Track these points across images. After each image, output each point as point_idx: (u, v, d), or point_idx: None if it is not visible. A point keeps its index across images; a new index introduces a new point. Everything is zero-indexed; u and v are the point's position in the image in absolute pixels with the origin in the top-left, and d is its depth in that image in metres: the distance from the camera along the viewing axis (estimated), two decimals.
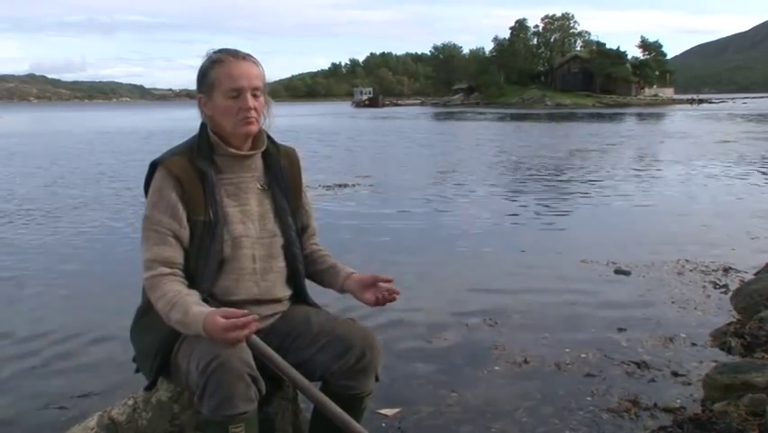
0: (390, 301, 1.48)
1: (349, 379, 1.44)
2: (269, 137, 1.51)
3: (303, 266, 1.55)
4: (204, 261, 1.40)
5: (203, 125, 1.46)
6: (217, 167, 1.44)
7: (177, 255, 1.39)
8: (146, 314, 1.46)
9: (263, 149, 1.48)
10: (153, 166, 1.43)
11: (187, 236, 1.40)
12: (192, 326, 1.29)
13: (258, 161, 1.49)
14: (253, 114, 1.41)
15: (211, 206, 1.40)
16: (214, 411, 1.25)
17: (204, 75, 1.43)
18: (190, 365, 1.29)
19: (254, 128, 1.43)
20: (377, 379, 1.49)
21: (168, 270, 1.37)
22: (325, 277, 1.57)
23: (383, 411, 2.06)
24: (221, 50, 1.44)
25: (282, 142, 1.57)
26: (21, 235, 5.21)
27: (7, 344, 2.80)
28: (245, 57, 1.42)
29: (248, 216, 1.45)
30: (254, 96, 1.41)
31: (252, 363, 1.28)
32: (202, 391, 1.25)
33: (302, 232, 1.57)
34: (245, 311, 1.29)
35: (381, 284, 1.47)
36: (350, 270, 1.55)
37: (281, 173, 1.51)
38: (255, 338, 1.33)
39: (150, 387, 1.48)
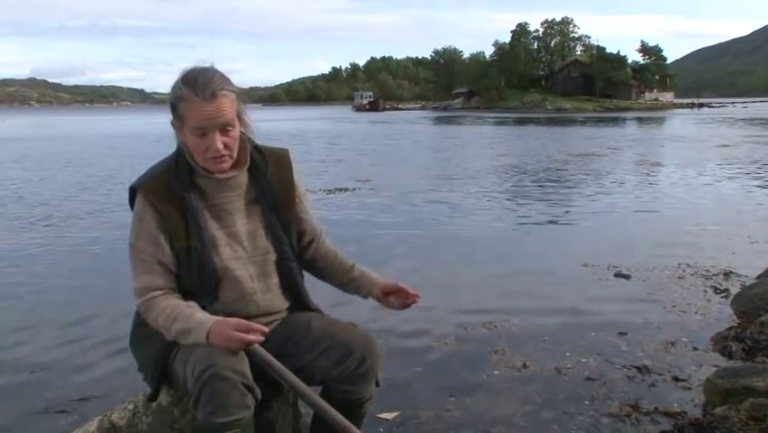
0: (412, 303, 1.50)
1: (349, 384, 1.43)
2: (255, 146, 1.46)
3: (301, 276, 1.54)
4: (197, 285, 1.39)
5: (180, 147, 1.40)
6: (199, 189, 1.39)
7: (166, 281, 1.38)
8: (142, 325, 1.45)
9: (246, 167, 1.41)
10: (133, 191, 1.40)
11: (173, 262, 1.38)
12: (195, 330, 1.29)
13: (242, 177, 1.42)
14: (223, 152, 1.33)
15: (195, 231, 1.37)
16: (208, 418, 1.25)
17: (173, 106, 1.35)
18: (186, 371, 1.29)
19: (225, 166, 1.36)
20: (377, 384, 1.48)
21: (160, 292, 1.37)
22: (348, 290, 1.59)
23: (383, 416, 2.05)
24: (188, 83, 1.31)
25: (271, 146, 1.51)
26: (29, 239, 5.22)
27: (7, 347, 2.79)
28: (213, 94, 1.29)
29: (234, 238, 1.42)
30: (224, 131, 1.32)
31: (247, 372, 1.27)
32: (197, 397, 1.25)
33: (302, 237, 1.55)
34: (248, 322, 1.31)
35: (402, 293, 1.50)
36: (372, 280, 1.55)
37: (268, 186, 1.45)
38: (254, 344, 1.33)
39: (152, 398, 1.47)
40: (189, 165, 1.38)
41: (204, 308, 1.37)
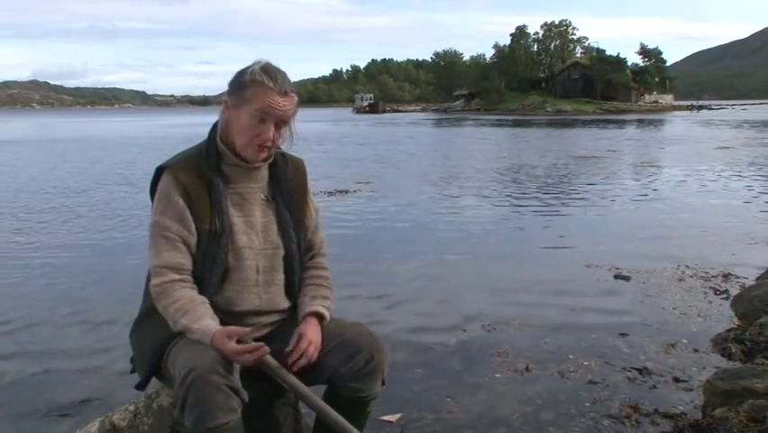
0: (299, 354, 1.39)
1: (356, 381, 1.44)
2: (277, 148, 1.50)
3: (300, 281, 1.54)
4: (209, 269, 1.41)
5: (212, 131, 1.46)
6: (224, 176, 1.44)
7: (186, 262, 1.40)
8: (147, 317, 1.47)
9: (270, 161, 1.48)
10: (159, 170, 1.43)
11: (195, 243, 1.40)
12: (196, 337, 1.31)
13: (264, 172, 1.49)
14: (268, 144, 1.40)
15: (217, 215, 1.40)
16: (195, 424, 1.25)
17: (241, 86, 1.38)
18: (174, 374, 1.30)
19: (263, 155, 1.42)
20: (383, 383, 1.49)
21: (178, 276, 1.38)
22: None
23: (386, 418, 2.06)
24: (268, 73, 1.37)
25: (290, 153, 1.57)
26: (34, 241, 5.23)
27: (9, 349, 2.80)
28: (287, 92, 1.38)
29: (251, 228, 1.45)
30: (278, 127, 1.40)
31: (232, 373, 1.27)
32: (182, 402, 1.25)
33: (306, 251, 1.57)
34: (249, 329, 1.32)
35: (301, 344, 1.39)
36: (309, 310, 1.46)
37: (287, 185, 1.51)
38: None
39: (140, 386, 1.48)
40: (218, 151, 1.43)
41: (209, 299, 1.39)
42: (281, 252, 1.49)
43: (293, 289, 1.53)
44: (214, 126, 1.46)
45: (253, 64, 1.40)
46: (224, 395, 1.25)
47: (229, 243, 1.41)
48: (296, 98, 1.41)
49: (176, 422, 1.51)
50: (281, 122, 1.40)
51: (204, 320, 1.32)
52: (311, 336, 1.41)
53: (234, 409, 1.27)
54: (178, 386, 1.26)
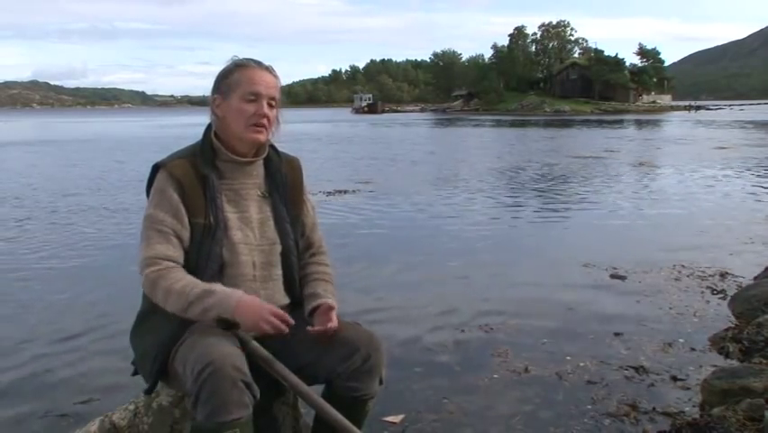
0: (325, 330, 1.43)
1: (354, 380, 1.44)
2: (271, 146, 1.54)
3: (299, 275, 1.55)
4: (203, 264, 1.41)
5: (206, 130, 1.50)
6: (219, 172, 1.46)
7: (179, 255, 1.41)
8: (147, 317, 1.47)
9: (264, 155, 1.51)
10: (155, 168, 1.46)
11: (188, 238, 1.41)
12: (220, 296, 1.32)
13: (259, 168, 1.51)
14: (265, 122, 1.45)
15: (211, 209, 1.42)
16: (208, 418, 1.25)
17: (225, 76, 1.46)
18: (186, 371, 1.30)
19: (263, 137, 1.45)
20: (381, 382, 1.49)
21: (172, 264, 1.39)
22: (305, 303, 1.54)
23: (389, 419, 2.07)
24: (246, 58, 1.48)
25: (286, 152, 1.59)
26: (33, 239, 5.23)
27: (8, 349, 2.80)
28: (268, 68, 1.47)
29: (246, 224, 1.47)
30: (270, 105, 1.45)
31: (246, 369, 1.29)
32: (196, 397, 1.26)
33: (307, 249, 1.58)
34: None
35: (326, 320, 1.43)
36: (318, 302, 1.48)
37: (282, 181, 1.53)
38: (255, 344, 1.34)
39: (149, 390, 1.48)
40: (213, 148, 1.46)
41: None
42: (278, 247, 1.50)
43: (293, 285, 1.54)
44: (209, 126, 1.50)
45: (231, 59, 1.49)
46: (238, 390, 1.26)
47: (224, 237, 1.43)
48: (278, 78, 1.48)
49: (176, 421, 1.52)
50: (270, 98, 1.45)
51: (219, 286, 1.34)
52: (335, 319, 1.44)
53: (247, 405, 1.28)
54: (191, 382, 1.26)
